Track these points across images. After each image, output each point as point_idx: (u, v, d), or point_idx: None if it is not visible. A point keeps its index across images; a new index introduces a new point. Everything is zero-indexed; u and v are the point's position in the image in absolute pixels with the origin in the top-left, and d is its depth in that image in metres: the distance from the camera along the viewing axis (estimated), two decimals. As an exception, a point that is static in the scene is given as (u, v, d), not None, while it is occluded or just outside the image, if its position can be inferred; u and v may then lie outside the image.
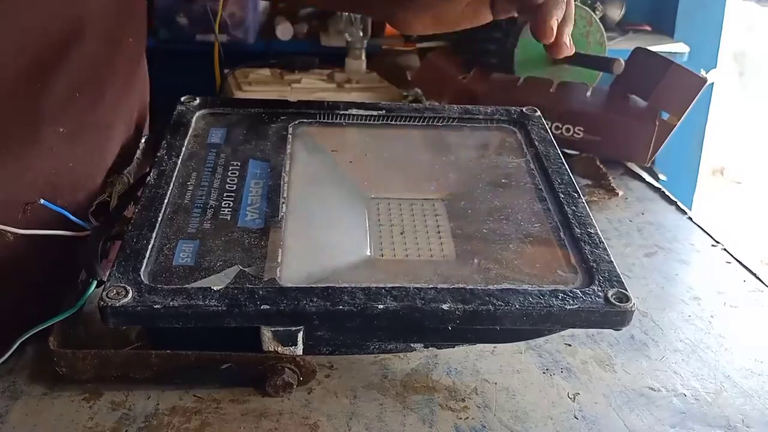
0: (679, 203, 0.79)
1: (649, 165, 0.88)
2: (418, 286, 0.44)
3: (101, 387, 0.46)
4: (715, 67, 1.93)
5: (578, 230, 0.50)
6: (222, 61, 1.16)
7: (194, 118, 0.60)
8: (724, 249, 0.71)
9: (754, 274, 0.65)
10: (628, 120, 0.86)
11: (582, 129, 0.91)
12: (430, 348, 0.50)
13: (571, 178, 0.56)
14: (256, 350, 0.45)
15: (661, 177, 0.88)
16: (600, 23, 0.99)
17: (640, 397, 0.48)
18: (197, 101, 0.62)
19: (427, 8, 0.61)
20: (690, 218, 0.76)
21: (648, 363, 0.52)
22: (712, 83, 1.45)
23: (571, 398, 0.48)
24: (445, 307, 0.43)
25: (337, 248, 0.49)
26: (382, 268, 0.45)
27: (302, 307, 0.42)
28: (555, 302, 0.43)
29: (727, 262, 0.68)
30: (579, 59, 0.97)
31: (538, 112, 0.66)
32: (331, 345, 0.47)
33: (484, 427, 0.45)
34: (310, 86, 1.17)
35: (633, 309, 0.44)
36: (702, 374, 0.51)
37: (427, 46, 1.17)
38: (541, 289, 0.45)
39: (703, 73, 0.85)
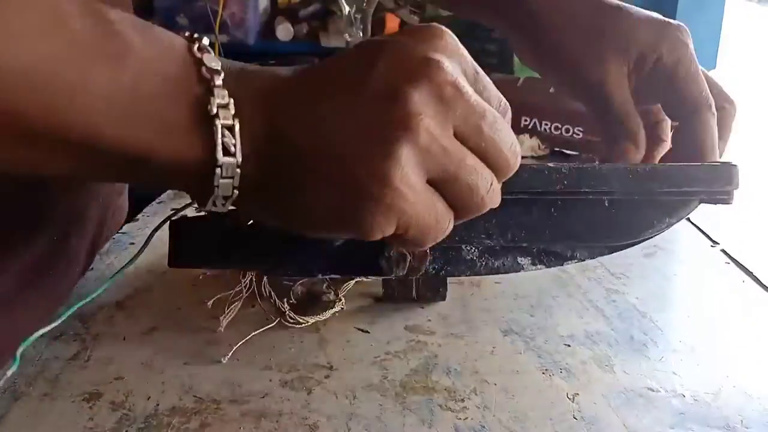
0: (678, 204, 0.79)
1: (648, 165, 0.88)
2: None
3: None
4: (715, 67, 1.93)
5: None
6: (222, 62, 1.16)
7: None
8: (723, 250, 0.71)
9: (753, 275, 0.65)
10: (628, 120, 0.86)
11: (582, 129, 0.91)
12: (539, 266, 0.48)
13: None
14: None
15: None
16: (600, 24, 0.99)
17: (639, 398, 0.48)
18: None
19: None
20: (689, 219, 0.76)
21: (647, 363, 0.52)
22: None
23: (570, 399, 0.48)
24: (551, 164, 0.45)
25: None
26: None
27: None
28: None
29: (726, 263, 0.68)
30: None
31: None
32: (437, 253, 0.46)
33: (484, 427, 0.45)
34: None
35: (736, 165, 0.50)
36: (701, 374, 0.51)
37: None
38: None
39: (702, 73, 0.85)
